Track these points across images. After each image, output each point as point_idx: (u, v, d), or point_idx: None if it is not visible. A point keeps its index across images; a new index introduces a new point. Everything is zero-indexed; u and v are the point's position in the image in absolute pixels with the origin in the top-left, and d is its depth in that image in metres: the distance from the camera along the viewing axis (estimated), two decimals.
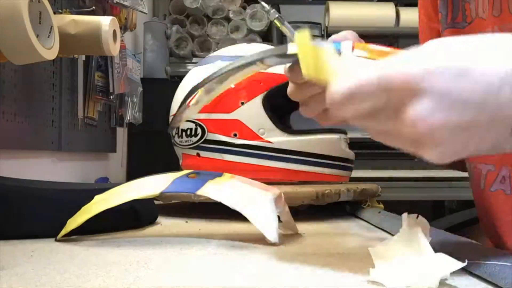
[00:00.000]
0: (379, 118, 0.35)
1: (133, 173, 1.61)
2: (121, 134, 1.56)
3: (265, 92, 0.89)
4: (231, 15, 2.10)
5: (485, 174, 0.62)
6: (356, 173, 1.02)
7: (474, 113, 0.33)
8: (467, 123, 0.33)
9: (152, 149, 1.62)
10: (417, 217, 0.42)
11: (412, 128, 0.33)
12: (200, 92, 0.54)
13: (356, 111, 0.35)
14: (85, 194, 0.59)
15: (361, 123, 0.37)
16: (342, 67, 0.38)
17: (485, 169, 0.62)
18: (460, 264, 0.37)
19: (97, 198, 0.57)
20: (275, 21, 0.85)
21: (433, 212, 2.44)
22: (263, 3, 0.86)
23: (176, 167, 1.48)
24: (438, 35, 0.69)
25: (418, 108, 0.33)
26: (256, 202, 0.56)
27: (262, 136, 0.90)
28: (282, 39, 2.16)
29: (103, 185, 1.02)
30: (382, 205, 0.88)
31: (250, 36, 2.06)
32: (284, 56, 0.47)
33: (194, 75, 0.99)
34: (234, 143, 0.90)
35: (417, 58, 0.34)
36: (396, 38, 2.29)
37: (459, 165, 0.72)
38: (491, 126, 0.34)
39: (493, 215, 0.62)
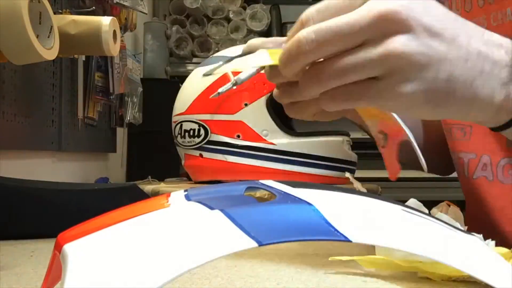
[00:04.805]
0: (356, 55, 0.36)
1: (133, 173, 1.61)
2: (121, 134, 1.56)
3: (269, 94, 0.89)
4: (231, 15, 2.10)
5: (467, 162, 0.64)
6: (356, 173, 1.02)
7: (446, 45, 0.36)
8: (441, 53, 0.36)
9: (152, 149, 1.62)
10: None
11: (397, 57, 0.35)
12: None
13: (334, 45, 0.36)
14: (85, 194, 0.59)
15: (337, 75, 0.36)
16: None
17: (467, 157, 0.64)
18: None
19: None
20: None
21: None
22: None
23: (176, 168, 1.48)
24: None
25: (404, 39, 0.35)
26: None
27: (265, 138, 0.90)
28: None
29: (103, 185, 1.02)
30: None
31: (250, 36, 2.06)
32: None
33: (196, 75, 0.99)
34: (237, 144, 0.90)
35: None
36: None
37: (441, 168, 0.76)
38: (461, 61, 0.36)
39: (481, 202, 0.63)
